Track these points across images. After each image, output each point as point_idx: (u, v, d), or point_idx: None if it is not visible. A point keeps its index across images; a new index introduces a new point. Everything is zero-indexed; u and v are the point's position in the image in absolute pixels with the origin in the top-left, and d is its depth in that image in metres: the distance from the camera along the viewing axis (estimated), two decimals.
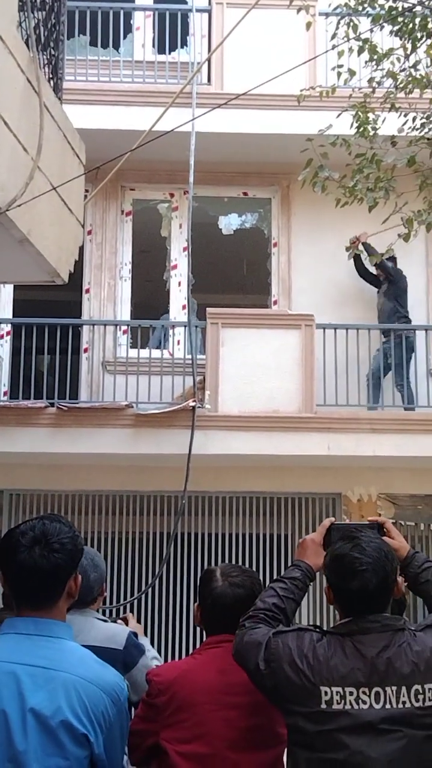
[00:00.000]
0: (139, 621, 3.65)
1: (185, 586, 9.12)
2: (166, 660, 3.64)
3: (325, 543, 2.79)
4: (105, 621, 3.33)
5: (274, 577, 2.93)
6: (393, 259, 9.07)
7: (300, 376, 8.91)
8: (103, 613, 3.47)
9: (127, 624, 3.60)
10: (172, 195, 10.39)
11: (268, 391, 8.87)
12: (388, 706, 2.42)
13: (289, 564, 2.89)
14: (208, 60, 9.51)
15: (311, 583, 2.79)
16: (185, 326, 9.48)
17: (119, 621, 3.54)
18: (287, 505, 9.38)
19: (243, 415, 8.81)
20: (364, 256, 8.98)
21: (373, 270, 9.45)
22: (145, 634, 3.60)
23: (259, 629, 2.59)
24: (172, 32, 10.03)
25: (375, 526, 2.80)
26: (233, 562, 8.69)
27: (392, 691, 2.42)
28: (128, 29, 10.41)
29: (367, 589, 2.51)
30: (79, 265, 8.75)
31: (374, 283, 9.61)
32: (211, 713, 2.74)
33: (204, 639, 3.02)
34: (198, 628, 3.25)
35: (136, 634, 3.35)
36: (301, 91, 7.04)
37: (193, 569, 9.14)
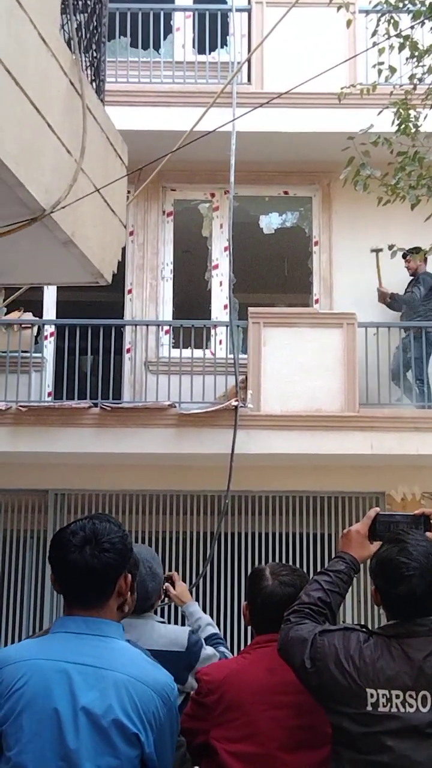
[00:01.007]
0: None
1: (229, 586, 9.13)
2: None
3: (370, 534, 2.76)
4: (164, 623, 3.36)
5: None
6: (416, 252, 9.08)
7: (342, 374, 8.87)
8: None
9: (173, 583, 3.64)
10: (213, 195, 10.41)
11: (311, 390, 8.85)
12: None
13: None
14: (248, 59, 9.51)
15: (356, 575, 2.77)
16: (227, 326, 9.49)
17: (165, 585, 3.57)
18: (330, 505, 9.35)
19: (285, 414, 8.79)
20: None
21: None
22: None
23: (304, 625, 2.58)
24: (211, 32, 10.04)
25: (421, 519, 2.76)
26: (276, 561, 8.68)
27: None
28: (168, 30, 10.44)
29: (414, 594, 2.49)
30: (121, 265, 8.80)
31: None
32: (260, 713, 2.75)
33: (251, 637, 3.03)
34: (244, 627, 3.25)
35: (194, 631, 3.39)
36: (342, 89, 7.02)
37: (236, 569, 9.15)
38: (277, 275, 12.28)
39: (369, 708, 2.41)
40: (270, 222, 11.16)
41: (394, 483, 9.27)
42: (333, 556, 2.80)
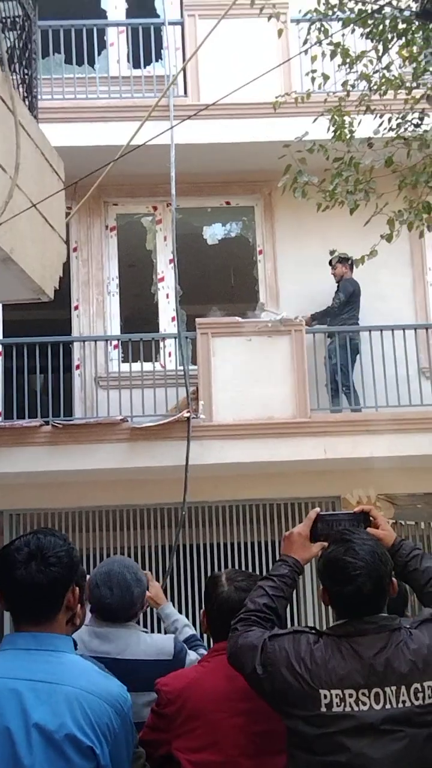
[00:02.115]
0: None
1: (189, 598, 9.11)
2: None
3: (312, 534, 2.77)
4: (147, 632, 3.34)
5: None
6: (346, 260, 9.19)
7: (293, 381, 8.92)
8: None
9: (147, 583, 3.60)
10: (155, 208, 10.43)
11: (262, 398, 8.89)
12: (388, 706, 2.41)
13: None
14: (183, 72, 9.56)
15: (300, 577, 2.78)
16: (175, 338, 9.50)
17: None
18: (287, 511, 9.38)
19: (238, 423, 8.81)
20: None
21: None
22: None
23: (252, 632, 2.58)
24: (146, 46, 10.07)
25: (361, 516, 2.79)
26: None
27: (392, 691, 2.42)
28: (102, 46, 10.46)
29: (361, 592, 2.51)
30: (66, 282, 8.83)
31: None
32: (221, 720, 2.74)
33: (211, 646, 3.02)
34: (208, 637, 3.23)
35: (176, 638, 3.37)
36: (277, 98, 7.08)
37: (196, 580, 9.13)
38: (224, 286, 12.33)
39: (323, 709, 2.42)
40: (214, 233, 11.22)
41: (349, 487, 9.33)
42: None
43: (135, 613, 3.27)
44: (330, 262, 9.58)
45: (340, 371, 9.25)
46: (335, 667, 2.44)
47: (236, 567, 9.08)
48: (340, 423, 9.02)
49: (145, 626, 3.68)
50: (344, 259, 9.50)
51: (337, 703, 2.41)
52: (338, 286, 9.64)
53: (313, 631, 2.57)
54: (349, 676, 2.42)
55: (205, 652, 3.43)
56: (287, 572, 2.72)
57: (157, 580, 8.78)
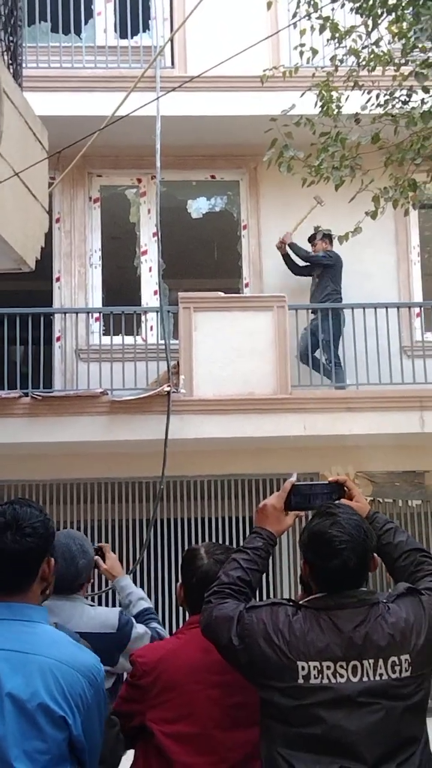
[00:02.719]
0: None
1: (167, 572, 9.14)
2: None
3: (286, 505, 2.76)
4: (93, 606, 3.32)
5: None
6: (329, 237, 9.15)
7: (274, 357, 8.92)
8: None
9: (103, 555, 3.59)
10: (139, 180, 10.35)
11: (243, 374, 8.88)
12: (365, 679, 2.42)
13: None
14: (171, 43, 9.47)
15: (273, 549, 2.76)
16: (157, 312, 9.46)
17: (95, 558, 3.51)
18: (266, 487, 9.39)
19: (218, 398, 8.82)
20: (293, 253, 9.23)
21: (301, 262, 9.57)
22: None
23: (227, 603, 2.57)
24: (133, 16, 9.96)
25: (336, 488, 2.78)
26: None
27: (369, 663, 2.43)
28: (89, 15, 10.32)
29: (347, 566, 2.50)
30: (48, 253, 8.77)
31: (309, 273, 9.62)
32: (196, 693, 2.76)
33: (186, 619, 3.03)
34: (181, 609, 3.24)
35: (122, 611, 3.35)
36: (265, 71, 7.02)
37: (174, 554, 9.15)
38: (207, 260, 12.28)
39: (300, 681, 2.42)
40: (198, 207, 11.17)
41: (328, 463, 9.35)
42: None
43: (81, 584, 3.26)
44: (310, 239, 9.56)
45: (331, 346, 9.20)
46: (314, 640, 2.44)
47: (215, 542, 9.12)
48: (321, 400, 9.04)
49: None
50: (325, 235, 9.49)
51: (314, 675, 2.42)
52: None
53: (292, 603, 2.57)
54: (328, 648, 2.43)
55: (157, 626, 3.45)
56: (261, 545, 2.70)
57: (135, 553, 8.86)
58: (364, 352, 9.18)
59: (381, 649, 2.44)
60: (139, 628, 3.28)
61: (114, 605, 3.88)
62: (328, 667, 2.42)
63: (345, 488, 2.78)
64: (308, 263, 9.51)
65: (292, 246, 9.47)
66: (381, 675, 2.43)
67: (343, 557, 2.49)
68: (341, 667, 2.42)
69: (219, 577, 2.67)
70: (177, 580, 3.12)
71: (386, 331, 9.21)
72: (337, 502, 2.71)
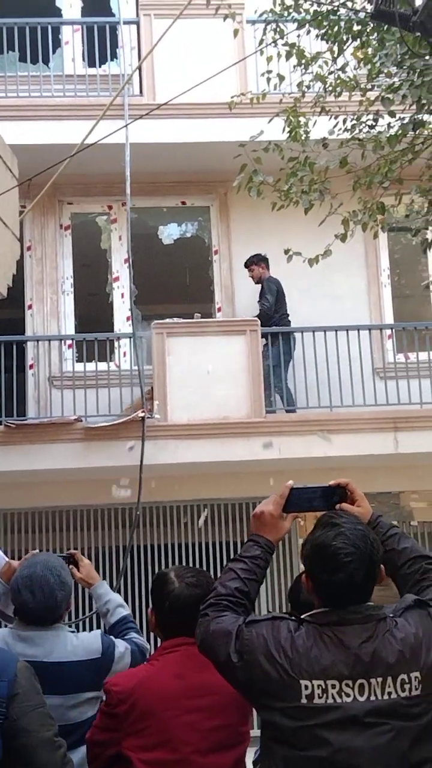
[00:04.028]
0: None
1: (144, 598, 9.08)
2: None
3: (284, 508, 2.59)
4: (74, 632, 3.28)
5: None
6: (266, 261, 9.32)
7: (247, 381, 8.94)
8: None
9: (76, 563, 3.54)
10: (110, 207, 10.39)
11: (217, 398, 8.90)
12: (373, 698, 2.28)
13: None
14: (139, 71, 9.53)
15: (271, 557, 2.60)
16: (130, 337, 9.46)
17: (69, 567, 3.44)
18: (242, 511, 9.39)
19: (193, 423, 8.82)
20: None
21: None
22: None
23: (225, 617, 2.43)
24: (101, 45, 10.03)
25: (337, 491, 2.60)
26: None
27: (377, 682, 2.29)
28: (57, 44, 10.39)
29: (353, 581, 2.36)
30: (19, 281, 8.75)
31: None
32: (173, 719, 2.72)
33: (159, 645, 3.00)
34: (152, 636, 3.19)
35: (106, 634, 3.30)
36: (232, 97, 7.09)
37: (150, 581, 9.09)
38: (180, 286, 12.32)
39: (304, 701, 2.28)
40: (169, 233, 11.21)
41: None
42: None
43: (60, 615, 3.20)
44: (246, 264, 9.60)
45: (272, 372, 9.19)
46: (318, 657, 2.30)
47: (185, 565, 9.08)
48: (295, 423, 9.06)
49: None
50: (261, 259, 9.52)
51: (318, 694, 2.27)
52: (261, 288, 9.61)
53: (294, 618, 2.41)
54: (333, 666, 2.29)
55: (137, 636, 3.40)
56: (259, 553, 2.54)
57: (111, 581, 8.78)
58: (337, 374, 9.23)
59: (390, 666, 2.30)
60: (120, 647, 3.22)
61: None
62: (333, 686, 2.28)
63: (347, 491, 2.59)
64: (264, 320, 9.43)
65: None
66: (390, 694, 2.29)
67: (349, 571, 2.35)
68: (347, 685, 2.28)
69: (215, 588, 2.54)
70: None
71: (358, 353, 9.26)
72: (339, 507, 2.56)
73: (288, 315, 9.58)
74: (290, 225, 8.81)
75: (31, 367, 9.86)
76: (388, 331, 10.09)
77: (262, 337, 9.38)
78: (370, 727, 2.27)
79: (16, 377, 9.27)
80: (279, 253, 9.32)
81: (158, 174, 9.87)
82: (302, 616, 2.43)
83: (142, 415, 8.59)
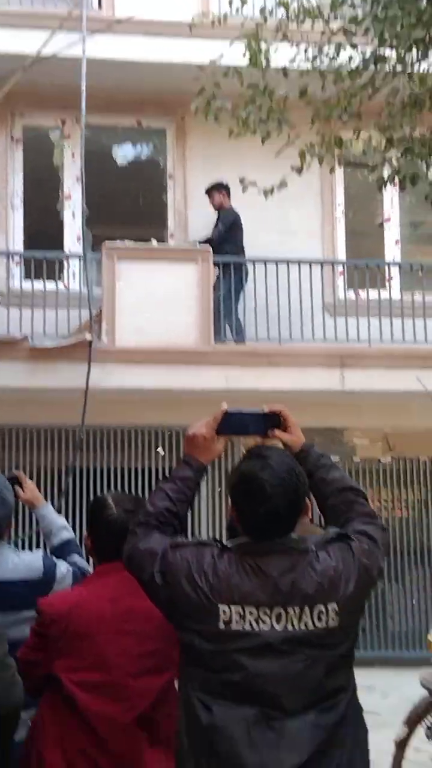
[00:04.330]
0: None
1: (84, 520, 9.13)
2: None
3: (217, 431, 2.56)
4: (16, 552, 3.25)
5: None
6: (227, 189, 9.18)
7: (197, 310, 8.91)
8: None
9: (20, 484, 3.52)
10: (63, 122, 10.14)
11: (166, 325, 8.86)
12: (290, 627, 2.33)
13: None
14: None
15: (202, 478, 2.59)
16: (80, 258, 9.34)
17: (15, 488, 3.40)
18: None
19: (140, 348, 8.77)
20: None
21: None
22: None
23: (153, 537, 2.47)
24: None
25: (270, 417, 2.58)
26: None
27: (294, 611, 2.34)
28: None
29: (277, 513, 2.38)
30: None
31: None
32: (106, 642, 2.76)
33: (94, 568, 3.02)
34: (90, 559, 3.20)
35: (48, 554, 3.30)
36: (193, 17, 6.91)
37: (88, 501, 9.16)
38: (132, 208, 12.14)
39: (221, 625, 2.33)
40: (124, 154, 11.00)
41: None
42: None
43: (1, 534, 3.21)
44: (207, 191, 9.49)
45: (223, 302, 9.17)
46: (238, 584, 2.34)
47: (133, 492, 9.16)
48: (244, 354, 9.08)
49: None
50: (221, 186, 9.40)
51: (236, 620, 2.32)
52: (218, 216, 9.52)
53: (219, 545, 2.44)
54: (252, 593, 2.33)
55: (78, 559, 3.40)
56: (190, 475, 2.55)
57: (53, 501, 8.79)
58: (287, 308, 9.23)
59: (307, 597, 2.34)
60: (62, 567, 3.21)
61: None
62: (251, 613, 2.32)
63: (281, 418, 2.58)
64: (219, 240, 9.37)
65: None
66: (306, 624, 2.34)
67: (273, 503, 2.37)
68: (265, 613, 2.33)
69: (144, 507, 2.56)
70: None
71: (309, 288, 9.27)
72: (272, 433, 2.56)
73: (243, 248, 9.49)
74: (247, 154, 8.69)
75: None
76: (340, 268, 10.09)
77: (214, 266, 9.34)
78: (285, 655, 2.32)
79: None
80: (234, 182, 9.28)
81: (115, 92, 9.62)
82: (225, 544, 2.46)
83: (90, 338, 8.52)
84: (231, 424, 2.57)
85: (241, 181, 6.49)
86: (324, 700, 2.36)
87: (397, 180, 6.29)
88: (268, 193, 6.48)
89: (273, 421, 2.58)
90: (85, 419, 8.34)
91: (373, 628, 9.88)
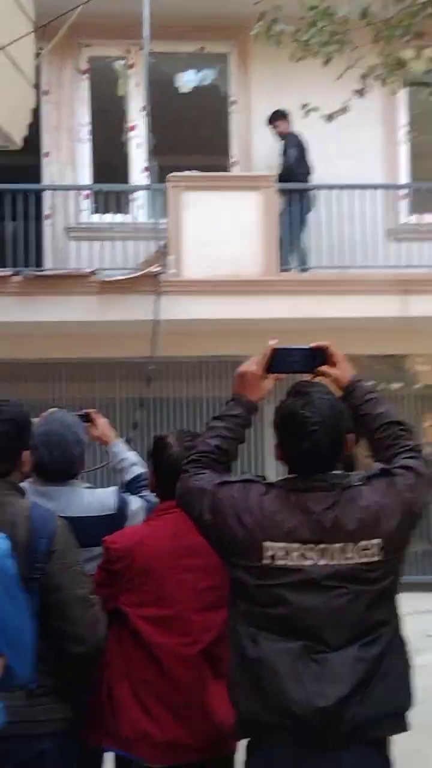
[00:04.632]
0: None
1: None
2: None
3: (266, 369, 2.57)
4: (90, 488, 3.32)
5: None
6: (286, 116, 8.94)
7: (261, 239, 8.83)
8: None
9: (92, 421, 3.56)
10: (128, 51, 10.01)
11: (231, 255, 8.81)
12: (334, 562, 2.36)
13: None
14: None
15: (252, 417, 2.59)
16: (147, 190, 9.31)
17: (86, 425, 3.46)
18: None
19: (207, 279, 8.77)
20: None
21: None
22: None
23: (203, 475, 2.49)
24: None
25: (317, 353, 2.57)
26: (202, 427, 8.83)
27: (338, 547, 2.37)
28: None
29: (318, 449, 2.40)
30: (36, 127, 8.56)
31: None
32: (167, 577, 2.84)
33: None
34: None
35: (121, 490, 3.35)
36: None
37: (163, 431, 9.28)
38: (195, 137, 11.99)
39: (266, 561, 2.37)
40: (187, 80, 10.82)
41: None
42: (258, 419, 2.65)
43: (76, 472, 3.25)
44: (270, 120, 9.29)
45: (289, 231, 9.07)
46: (283, 520, 2.37)
47: (202, 423, 9.26)
48: (307, 283, 9.01)
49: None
50: (282, 114, 9.21)
51: (281, 555, 2.36)
52: (285, 143, 9.35)
53: (265, 482, 2.47)
54: (296, 530, 2.36)
55: (149, 495, 3.42)
56: (240, 412, 2.55)
57: (125, 433, 8.97)
58: (349, 235, 9.08)
59: (351, 533, 2.36)
60: (133, 505, 3.27)
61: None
62: (295, 549, 2.37)
63: (328, 353, 2.57)
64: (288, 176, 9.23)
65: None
66: (350, 559, 2.37)
67: (315, 439, 2.39)
68: (309, 549, 2.36)
69: (196, 446, 2.58)
70: None
71: (372, 213, 9.09)
72: (320, 369, 2.56)
73: (309, 173, 9.35)
74: (310, 77, 8.46)
75: (47, 217, 9.76)
76: (403, 191, 9.84)
77: (280, 193, 9.22)
78: (328, 590, 2.35)
79: (35, 226, 9.19)
80: (296, 107, 9.09)
81: (177, 18, 9.43)
82: (272, 481, 2.50)
83: (157, 270, 8.56)
84: (279, 361, 2.57)
85: (304, 106, 6.37)
86: (366, 633, 2.39)
87: None
88: (330, 117, 6.36)
89: (320, 356, 2.57)
90: (154, 351, 8.45)
91: None
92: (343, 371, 2.58)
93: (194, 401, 9.57)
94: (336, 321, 8.86)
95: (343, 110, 6.27)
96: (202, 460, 2.54)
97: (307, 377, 2.61)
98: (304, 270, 9.22)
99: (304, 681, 2.33)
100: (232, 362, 9.28)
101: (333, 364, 2.57)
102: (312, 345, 2.60)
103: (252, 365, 2.58)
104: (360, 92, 6.13)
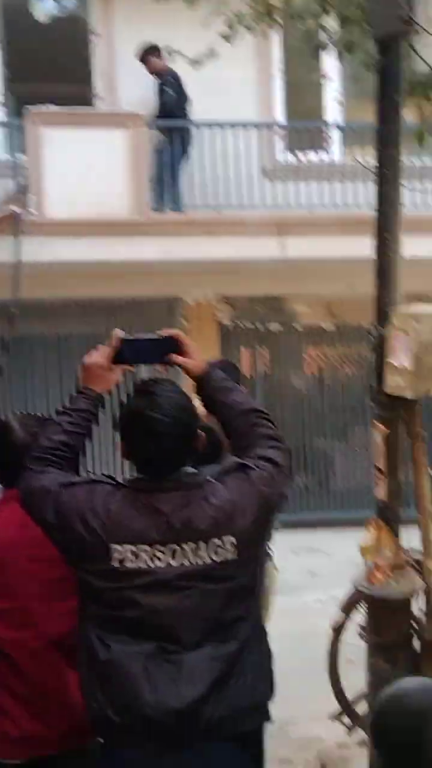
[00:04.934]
0: None
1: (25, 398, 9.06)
2: None
3: (114, 359, 2.51)
4: None
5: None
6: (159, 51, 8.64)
7: (129, 178, 8.52)
8: None
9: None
10: None
11: (97, 195, 8.45)
12: (185, 563, 2.33)
13: None
14: None
15: (99, 409, 2.54)
16: (3, 126, 8.83)
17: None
18: (123, 310, 9.25)
19: (71, 220, 8.41)
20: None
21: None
22: None
23: (47, 474, 2.41)
24: None
25: (168, 341, 2.52)
26: (71, 367, 8.63)
27: (189, 547, 2.33)
28: None
29: (166, 449, 2.35)
30: None
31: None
32: (14, 568, 2.73)
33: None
34: None
35: None
36: None
37: (29, 374, 9.03)
38: (54, 65, 11.41)
39: (115, 564, 2.32)
40: (45, 8, 10.20)
41: (187, 288, 9.22)
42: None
43: None
44: (141, 58, 8.89)
45: (166, 171, 8.81)
46: (131, 522, 2.32)
47: (26, 413, 8.98)
48: (181, 224, 8.77)
49: None
50: (153, 49, 8.77)
51: (130, 558, 2.32)
52: (162, 81, 8.95)
53: (112, 482, 2.40)
54: (145, 531, 2.32)
55: None
56: (86, 406, 2.50)
57: None
58: (224, 174, 8.87)
59: (202, 532, 2.31)
60: None
61: None
62: (145, 551, 2.33)
63: (179, 343, 2.52)
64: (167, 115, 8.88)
65: None
66: (202, 558, 2.34)
67: (161, 441, 2.34)
68: (159, 551, 2.33)
69: (40, 441, 2.50)
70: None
71: (245, 152, 8.88)
72: (170, 359, 2.50)
73: (187, 110, 9.01)
74: (175, 17, 8.04)
75: None
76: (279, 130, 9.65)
77: (160, 131, 8.86)
78: (180, 591, 2.32)
79: None
80: (163, 44, 8.71)
81: None
82: (120, 481, 2.42)
83: (16, 210, 8.16)
84: (127, 351, 2.51)
85: (168, 50, 6.06)
86: (222, 631, 2.36)
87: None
88: (196, 64, 6.07)
89: (171, 346, 2.51)
90: (16, 294, 8.11)
91: (316, 487, 10.07)
92: (195, 361, 2.52)
93: (65, 339, 9.26)
94: (212, 263, 8.71)
95: (211, 54, 5.97)
96: (45, 458, 2.45)
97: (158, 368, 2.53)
98: (177, 210, 8.96)
99: (158, 683, 2.30)
100: (102, 304, 9.16)
101: (184, 354, 2.51)
102: (162, 333, 2.52)
103: (98, 356, 2.50)
104: (227, 38, 5.82)
